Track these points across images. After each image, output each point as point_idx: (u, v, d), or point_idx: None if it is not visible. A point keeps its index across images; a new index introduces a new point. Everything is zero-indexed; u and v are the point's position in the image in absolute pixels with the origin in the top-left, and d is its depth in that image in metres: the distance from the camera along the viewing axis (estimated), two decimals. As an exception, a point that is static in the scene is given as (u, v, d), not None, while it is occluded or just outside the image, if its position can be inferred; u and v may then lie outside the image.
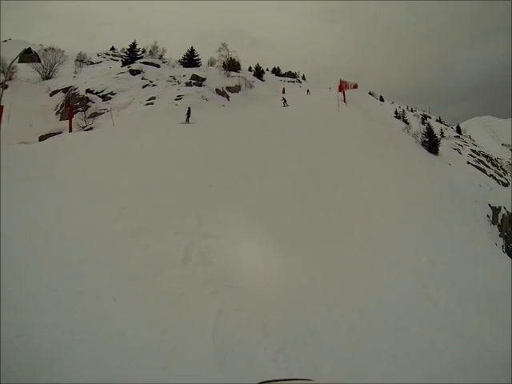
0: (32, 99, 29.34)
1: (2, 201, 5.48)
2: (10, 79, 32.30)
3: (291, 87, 37.03)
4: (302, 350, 3.39)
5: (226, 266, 4.42)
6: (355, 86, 38.23)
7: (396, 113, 35.51)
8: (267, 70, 41.20)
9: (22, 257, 4.15)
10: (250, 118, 19.35)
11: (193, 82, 27.85)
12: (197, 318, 3.45)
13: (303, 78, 45.70)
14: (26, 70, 32.97)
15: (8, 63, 33.08)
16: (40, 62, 36.68)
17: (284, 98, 25.55)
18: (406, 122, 31.69)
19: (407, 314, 4.96)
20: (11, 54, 33.65)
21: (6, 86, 24.12)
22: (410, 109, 49.11)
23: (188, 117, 19.11)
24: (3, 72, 31.98)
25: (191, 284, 3.95)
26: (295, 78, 43.51)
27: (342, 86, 27.84)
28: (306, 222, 6.92)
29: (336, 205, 8.31)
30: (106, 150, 11.34)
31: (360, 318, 4.35)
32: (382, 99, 48.77)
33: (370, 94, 48.96)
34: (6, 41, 54.56)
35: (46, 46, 38.80)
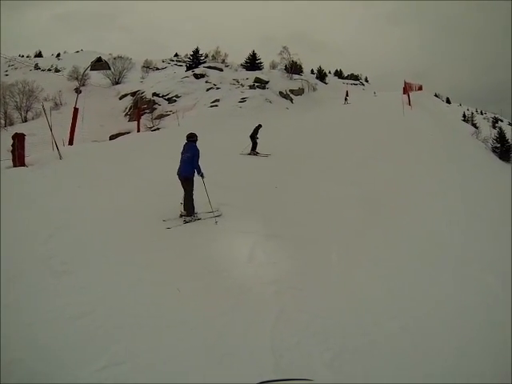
0: (103, 102, 30.94)
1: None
2: (83, 85, 34.33)
3: (354, 90, 35.76)
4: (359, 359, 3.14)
5: (291, 267, 4.39)
6: (420, 88, 36.06)
7: (464, 116, 32.33)
8: (329, 72, 40.02)
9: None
10: (315, 121, 18.51)
11: (256, 84, 27.42)
12: (258, 316, 3.47)
13: (366, 81, 43.83)
14: (97, 77, 35.24)
15: (81, 71, 35.74)
16: (110, 69, 38.91)
17: (346, 97, 27.42)
18: (474, 125, 28.79)
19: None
20: (83, 63, 36.26)
21: (80, 91, 25.35)
22: (479, 111, 44.99)
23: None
24: (77, 79, 34.44)
25: (255, 283, 4.00)
26: (358, 80, 41.82)
27: (407, 89, 26.21)
28: (372, 224, 6.28)
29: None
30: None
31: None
32: (448, 101, 45.10)
33: (435, 95, 45.36)
34: (78, 51, 59.11)
35: (115, 55, 41.12)
